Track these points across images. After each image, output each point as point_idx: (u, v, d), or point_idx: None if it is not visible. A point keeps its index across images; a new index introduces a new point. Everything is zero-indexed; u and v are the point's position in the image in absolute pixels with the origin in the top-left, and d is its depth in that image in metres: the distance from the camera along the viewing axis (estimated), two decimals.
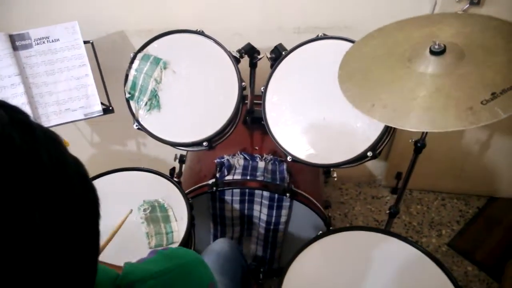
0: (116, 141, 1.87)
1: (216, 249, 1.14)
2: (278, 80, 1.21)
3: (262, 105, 1.21)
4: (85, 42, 1.32)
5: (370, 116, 0.90)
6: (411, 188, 2.02)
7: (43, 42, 1.29)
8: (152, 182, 1.28)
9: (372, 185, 2.02)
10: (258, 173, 1.35)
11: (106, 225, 1.04)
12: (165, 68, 1.19)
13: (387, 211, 1.39)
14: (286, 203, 1.37)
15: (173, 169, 1.32)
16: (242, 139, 1.48)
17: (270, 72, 1.20)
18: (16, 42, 1.27)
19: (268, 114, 1.21)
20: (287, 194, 1.32)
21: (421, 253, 1.05)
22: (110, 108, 1.34)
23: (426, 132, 1.13)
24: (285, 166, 1.38)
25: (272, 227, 1.44)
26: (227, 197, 1.38)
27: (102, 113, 1.33)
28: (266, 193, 1.35)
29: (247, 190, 1.36)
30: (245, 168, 1.37)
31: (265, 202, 1.37)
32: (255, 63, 1.29)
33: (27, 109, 1.27)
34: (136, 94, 1.19)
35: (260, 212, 1.42)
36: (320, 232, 1.13)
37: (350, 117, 1.12)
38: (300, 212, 1.39)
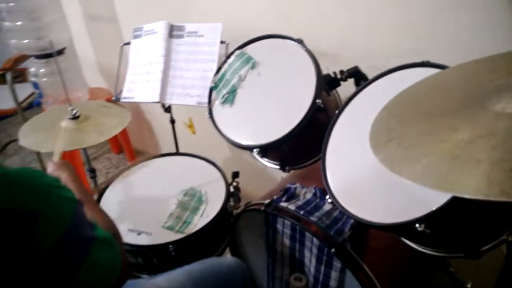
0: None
1: (211, 262, 1.03)
2: (355, 107, 1.00)
3: (329, 129, 1.03)
4: (221, 42, 1.45)
5: (375, 154, 0.63)
6: None
7: (192, 36, 1.51)
8: (211, 176, 1.28)
9: None
10: (316, 213, 1.13)
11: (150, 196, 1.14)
12: (252, 68, 1.18)
13: None
14: (336, 264, 1.09)
15: (236, 173, 1.27)
16: None
17: (349, 97, 1.01)
18: (174, 31, 1.53)
19: (332, 140, 1.02)
20: (333, 250, 1.05)
21: None
22: None
23: None
24: (352, 221, 1.10)
25: (319, 287, 1.17)
26: (279, 226, 1.22)
27: None
28: (316, 241, 1.11)
29: (297, 227, 1.16)
30: (307, 203, 1.18)
31: (314, 251, 1.14)
32: None
33: (157, 85, 1.49)
34: (220, 85, 1.22)
35: (310, 262, 1.18)
36: None
37: None
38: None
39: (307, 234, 1.14)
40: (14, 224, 0.54)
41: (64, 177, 0.93)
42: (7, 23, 1.78)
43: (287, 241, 1.23)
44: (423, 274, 1.24)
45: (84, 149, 1.62)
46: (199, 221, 1.13)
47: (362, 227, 1.11)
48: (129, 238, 1.10)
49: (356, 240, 1.09)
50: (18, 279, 0.57)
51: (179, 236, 1.08)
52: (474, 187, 0.45)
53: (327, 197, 0.95)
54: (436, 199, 0.74)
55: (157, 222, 1.14)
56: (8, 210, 0.54)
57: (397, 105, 0.72)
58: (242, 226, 1.33)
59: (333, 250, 1.05)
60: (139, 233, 1.11)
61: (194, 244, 1.11)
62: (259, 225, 1.29)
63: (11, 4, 1.72)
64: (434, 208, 0.74)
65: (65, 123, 1.37)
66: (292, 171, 1.46)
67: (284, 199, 1.20)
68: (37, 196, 0.58)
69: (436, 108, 0.63)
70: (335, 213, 1.15)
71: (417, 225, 0.75)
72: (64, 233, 0.60)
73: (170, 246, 1.05)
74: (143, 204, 1.19)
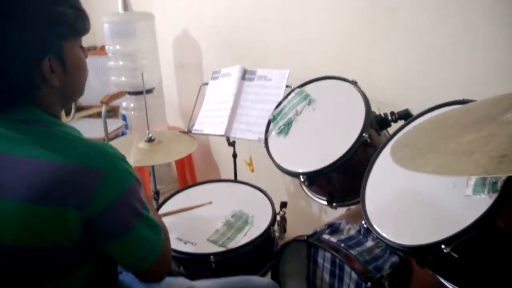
0: None
1: (247, 279, 1.07)
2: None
3: (372, 160, 1.07)
4: (286, 86, 1.59)
5: (391, 156, 0.67)
6: None
7: (262, 79, 1.66)
8: (261, 203, 1.35)
9: None
10: (357, 248, 1.13)
11: (201, 212, 1.26)
12: (309, 104, 1.28)
13: None
14: None
15: (284, 203, 1.33)
16: None
17: (393, 132, 1.06)
18: (246, 75, 1.70)
19: (374, 170, 1.05)
20: (369, 284, 1.03)
21: None
22: None
23: None
24: (394, 259, 1.08)
25: None
26: (320, 260, 1.22)
27: None
28: (354, 275, 1.10)
29: (337, 260, 1.16)
30: (349, 238, 1.18)
31: (352, 287, 1.12)
32: None
33: (225, 120, 1.64)
34: (278, 118, 1.33)
35: None
36: None
37: (446, 196, 0.82)
38: None
39: (346, 268, 1.13)
40: (83, 176, 0.65)
41: None
42: (111, 63, 2.13)
43: (326, 276, 1.22)
44: None
45: (153, 171, 1.80)
46: (242, 239, 1.19)
47: (403, 267, 1.08)
48: (175, 245, 1.19)
49: (395, 279, 1.06)
50: (66, 231, 0.65)
51: (221, 249, 1.15)
52: (462, 169, 0.48)
53: (363, 222, 0.96)
54: (461, 223, 0.73)
55: (203, 236, 1.22)
56: (83, 166, 0.65)
57: (424, 124, 0.76)
58: (286, 258, 1.34)
59: (369, 284, 1.03)
60: (185, 242, 1.19)
61: (234, 259, 1.16)
62: (302, 259, 1.30)
63: (117, 47, 2.07)
64: (461, 228, 0.73)
65: (141, 144, 1.57)
66: (342, 213, 1.47)
67: (327, 232, 1.22)
68: (105, 160, 0.68)
69: (454, 123, 0.67)
70: (377, 251, 1.13)
71: (443, 246, 0.74)
72: (118, 199, 0.68)
73: (211, 257, 1.12)
74: (194, 219, 1.29)
